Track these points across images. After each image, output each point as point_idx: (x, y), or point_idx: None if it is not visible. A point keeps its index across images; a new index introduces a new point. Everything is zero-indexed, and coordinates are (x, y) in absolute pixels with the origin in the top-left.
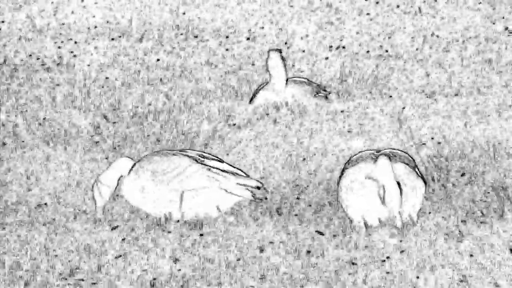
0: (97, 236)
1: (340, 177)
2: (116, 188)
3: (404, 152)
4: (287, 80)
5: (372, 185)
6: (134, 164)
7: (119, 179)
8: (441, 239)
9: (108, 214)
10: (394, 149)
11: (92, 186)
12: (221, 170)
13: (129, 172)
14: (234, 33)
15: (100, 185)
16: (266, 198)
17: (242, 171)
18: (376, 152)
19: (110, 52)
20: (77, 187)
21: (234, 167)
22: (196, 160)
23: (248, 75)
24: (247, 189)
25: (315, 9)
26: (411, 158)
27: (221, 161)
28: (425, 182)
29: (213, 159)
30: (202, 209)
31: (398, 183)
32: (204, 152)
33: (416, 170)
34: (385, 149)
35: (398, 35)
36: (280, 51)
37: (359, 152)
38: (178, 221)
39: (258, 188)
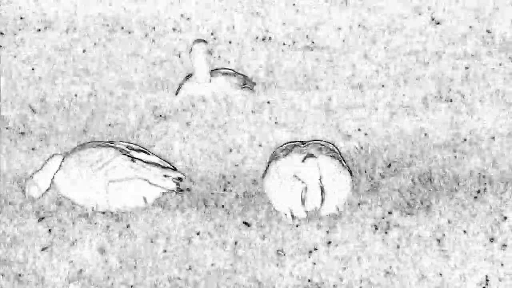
0: (24, 227)
1: (266, 169)
2: (50, 186)
3: (330, 144)
4: (213, 72)
5: (298, 181)
6: (64, 157)
7: (53, 177)
8: (367, 230)
9: (35, 206)
10: (320, 140)
11: (26, 183)
12: (146, 162)
13: (60, 166)
14: (160, 24)
15: (33, 185)
16: (189, 190)
17: (168, 163)
18: (303, 144)
19: (36, 43)
20: (4, 178)
21: (161, 159)
22: (121, 152)
23: (174, 66)
24: (172, 180)
25: (241, 0)
26: (337, 149)
27: (148, 153)
28: (351, 174)
29: (140, 150)
30: (128, 201)
31: (321, 187)
32: (132, 144)
33: (342, 161)
34: (311, 141)
35: (325, 26)
36: (204, 42)
37: (285, 143)
38: (104, 212)
39: (181, 179)
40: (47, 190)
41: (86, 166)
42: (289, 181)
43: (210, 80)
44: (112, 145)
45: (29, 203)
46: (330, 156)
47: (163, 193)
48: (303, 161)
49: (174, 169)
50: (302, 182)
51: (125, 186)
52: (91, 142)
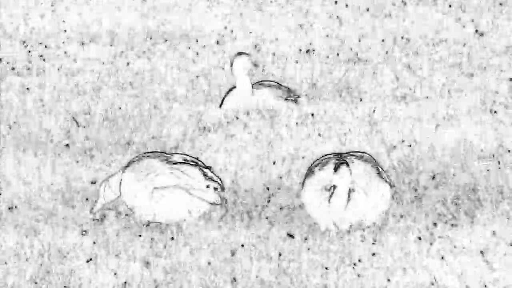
0: (68, 239)
1: (302, 183)
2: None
3: (367, 154)
4: (257, 84)
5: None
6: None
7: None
8: (412, 241)
9: (79, 218)
10: (356, 152)
11: (101, 184)
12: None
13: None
14: (204, 37)
15: (107, 188)
16: (226, 201)
17: (216, 175)
18: (338, 156)
19: (80, 56)
20: (48, 191)
21: (211, 171)
22: (167, 161)
23: (218, 78)
24: (216, 191)
25: (285, 13)
26: (374, 160)
27: (196, 164)
28: (390, 185)
29: (188, 162)
30: (173, 211)
31: (350, 189)
32: (187, 155)
33: (380, 172)
34: (347, 153)
35: (368, 38)
36: (246, 55)
37: (322, 157)
38: (149, 224)
39: (216, 188)
40: (116, 198)
41: (136, 174)
42: (323, 194)
43: (253, 93)
44: (164, 156)
45: (96, 213)
46: (365, 166)
47: (208, 206)
48: (335, 169)
49: (212, 180)
50: (334, 186)
51: (168, 194)
52: (149, 152)
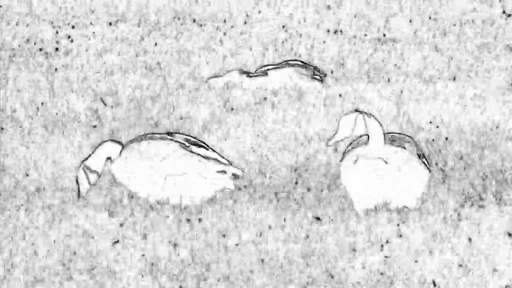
0: (95, 221)
1: (342, 160)
2: (101, 172)
3: (407, 136)
4: (283, 63)
5: (365, 168)
6: (123, 147)
7: (105, 163)
8: (439, 223)
9: (106, 199)
10: (397, 133)
11: (78, 171)
12: (204, 157)
13: (120, 155)
14: (231, 17)
15: (87, 170)
16: (245, 187)
17: (227, 160)
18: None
19: (108, 36)
20: (76, 171)
21: (219, 155)
22: (181, 146)
23: (245, 59)
24: (229, 177)
25: None
26: (415, 143)
27: (207, 148)
28: (429, 170)
29: (199, 145)
30: (186, 196)
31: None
32: (190, 137)
33: (420, 156)
34: (388, 133)
35: (396, 18)
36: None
37: (361, 136)
38: (175, 206)
39: (237, 176)
40: (99, 176)
41: (145, 159)
42: (357, 172)
43: (267, 74)
44: (170, 137)
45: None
46: (402, 147)
47: (219, 189)
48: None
49: (230, 165)
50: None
51: (182, 181)
52: (151, 133)
